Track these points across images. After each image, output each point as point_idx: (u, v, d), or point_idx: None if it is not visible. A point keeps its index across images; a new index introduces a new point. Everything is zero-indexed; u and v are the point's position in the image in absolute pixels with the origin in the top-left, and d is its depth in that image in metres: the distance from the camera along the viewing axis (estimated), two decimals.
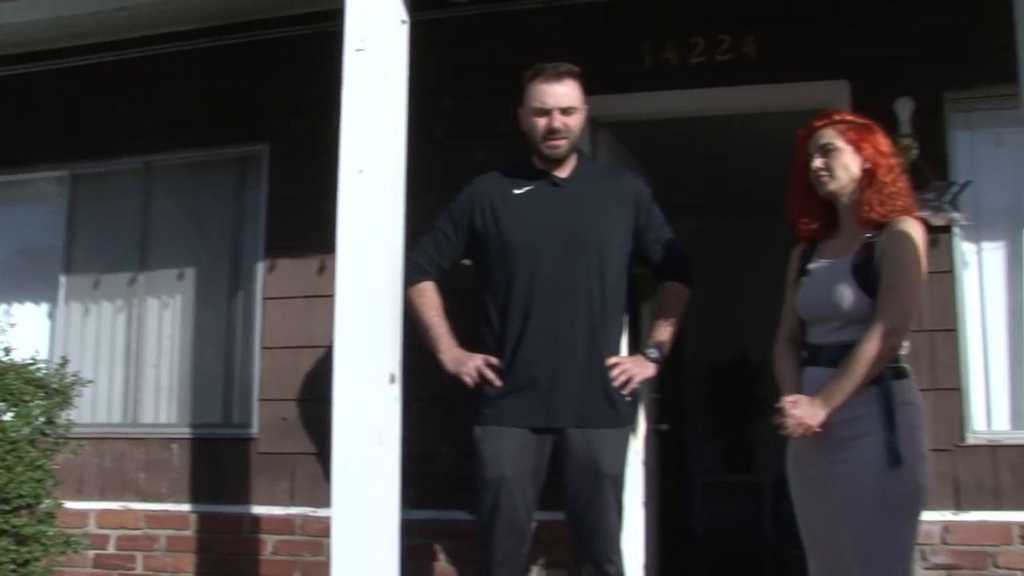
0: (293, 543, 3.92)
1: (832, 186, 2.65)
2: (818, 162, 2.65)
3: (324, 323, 3.97)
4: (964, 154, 3.85)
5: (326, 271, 4.01)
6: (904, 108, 3.70)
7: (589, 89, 3.11)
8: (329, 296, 3.89)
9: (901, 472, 2.42)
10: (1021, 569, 3.50)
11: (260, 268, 4.22)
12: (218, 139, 4.38)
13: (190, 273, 4.44)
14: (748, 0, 3.97)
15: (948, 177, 3.75)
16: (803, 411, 2.52)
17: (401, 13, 2.85)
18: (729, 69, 3.99)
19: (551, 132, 3.00)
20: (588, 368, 2.96)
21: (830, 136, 2.64)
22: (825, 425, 2.50)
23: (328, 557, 3.74)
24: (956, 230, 3.73)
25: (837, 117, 2.69)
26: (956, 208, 3.69)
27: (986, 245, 3.85)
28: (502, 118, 3.61)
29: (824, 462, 2.55)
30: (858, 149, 2.61)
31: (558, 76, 3.00)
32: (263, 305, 4.18)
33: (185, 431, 4.25)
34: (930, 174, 3.67)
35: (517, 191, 3.08)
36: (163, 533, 4.11)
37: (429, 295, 3.12)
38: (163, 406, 4.38)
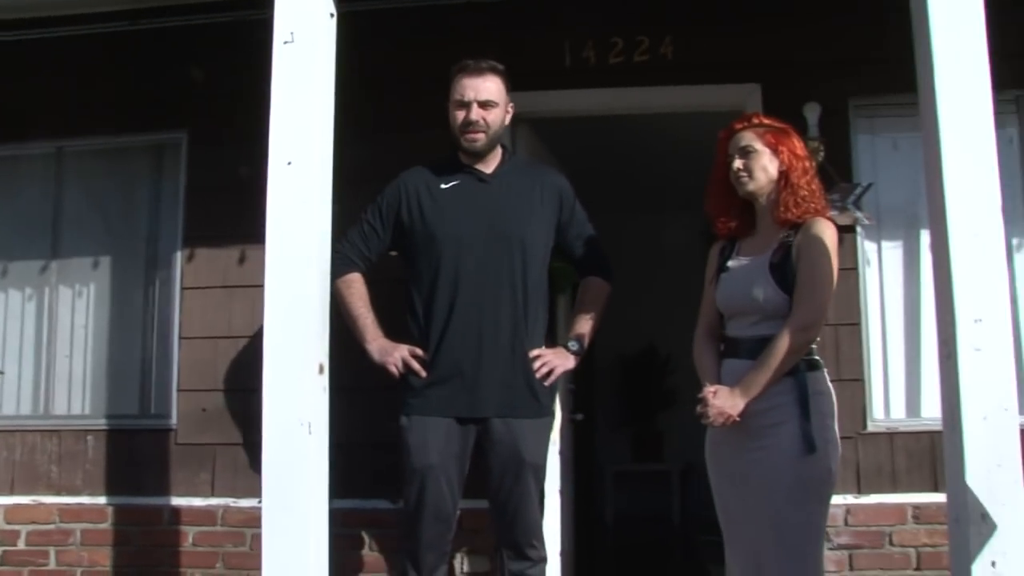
0: (214, 534, 3.90)
1: (751, 186, 2.77)
2: (738, 163, 2.77)
3: (245, 313, 3.99)
4: (866, 157, 4.07)
5: (247, 261, 4.02)
6: (812, 112, 3.88)
7: (510, 85, 3.16)
8: (250, 286, 3.95)
9: (815, 458, 2.57)
10: (914, 546, 3.73)
11: (178, 257, 4.16)
12: (135, 126, 4.30)
13: (105, 262, 4.35)
14: (666, 3, 4.08)
15: (852, 179, 3.95)
16: (723, 401, 2.64)
17: (330, 6, 2.87)
18: (647, 69, 4.11)
19: (467, 124, 3.06)
20: (511, 359, 3.04)
21: (749, 139, 2.77)
22: (743, 414, 2.63)
23: (251, 547, 3.84)
24: (859, 229, 3.94)
25: (756, 121, 2.82)
26: (859, 208, 3.89)
27: (886, 244, 4.08)
28: (426, 112, 3.65)
29: (742, 449, 2.68)
30: (775, 152, 2.75)
31: (480, 71, 3.07)
32: (182, 295, 4.13)
33: (100, 423, 4.17)
34: (835, 176, 3.86)
35: (444, 185, 3.13)
36: (77, 527, 4.04)
37: (356, 286, 3.15)
38: (77, 397, 4.29)
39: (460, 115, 3.07)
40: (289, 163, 2.74)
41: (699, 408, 2.71)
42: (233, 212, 3.99)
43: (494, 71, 3.09)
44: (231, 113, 4.06)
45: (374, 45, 3.87)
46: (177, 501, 3.97)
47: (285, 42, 2.81)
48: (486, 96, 3.07)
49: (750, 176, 2.77)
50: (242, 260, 4.03)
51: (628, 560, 6.29)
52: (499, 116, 3.12)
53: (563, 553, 4.07)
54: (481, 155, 3.13)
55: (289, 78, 2.80)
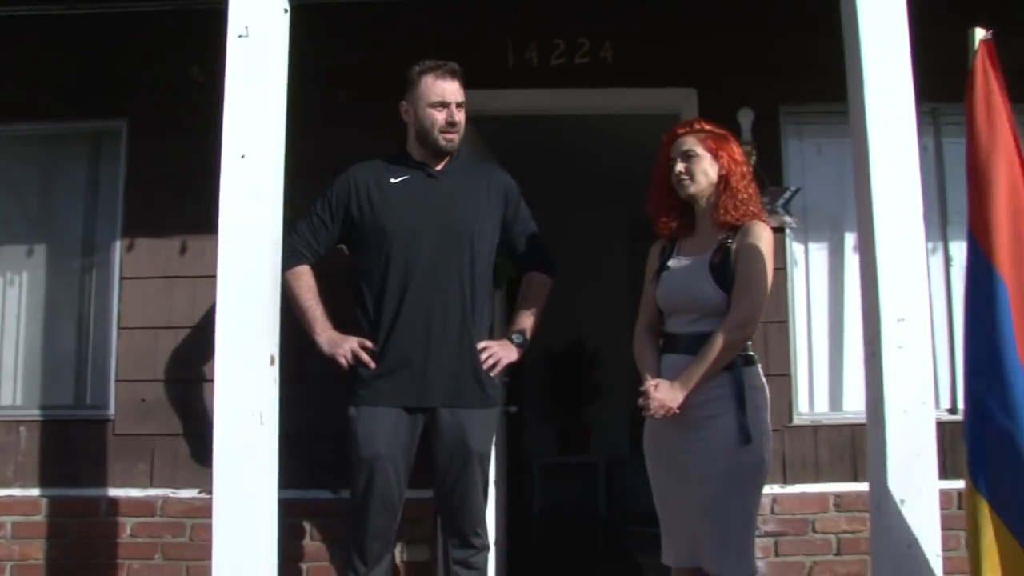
0: (153, 525, 3.88)
1: (692, 189, 2.90)
2: (680, 167, 2.90)
3: (186, 304, 3.99)
4: (796, 161, 4.24)
5: (189, 252, 4.01)
6: (745, 117, 4.03)
7: None
8: (192, 277, 3.96)
9: (750, 449, 2.71)
10: (835, 533, 3.93)
11: (117, 247, 4.11)
12: (73, 112, 4.23)
13: (40, 250, 4.27)
14: (607, 8, 4.18)
15: (782, 183, 4.11)
16: (664, 394, 2.76)
17: (283, 1, 2.91)
18: (587, 72, 4.21)
19: (451, 125, 3.14)
20: (459, 351, 3.10)
21: (691, 143, 2.90)
22: (683, 406, 2.75)
23: (190, 538, 3.85)
24: (788, 231, 4.11)
25: (698, 126, 2.95)
26: (788, 212, 4.06)
27: (812, 245, 4.26)
28: (373, 108, 3.70)
29: (681, 440, 2.80)
30: (716, 157, 2.88)
31: (452, 73, 3.15)
32: (120, 285, 4.07)
33: (33, 413, 4.09)
34: (766, 179, 4.01)
35: (394, 180, 3.19)
36: (9, 520, 3.96)
37: (305, 279, 3.19)
38: (8, 387, 4.20)
39: (440, 116, 3.13)
40: (243, 156, 2.78)
41: (640, 400, 2.81)
42: (175, 203, 3.99)
43: (460, 74, 3.18)
44: (175, 103, 4.05)
45: (323, 40, 3.89)
46: (114, 492, 3.93)
47: (239, 36, 2.84)
48: (460, 98, 3.16)
49: (691, 179, 2.89)
50: (184, 251, 4.01)
51: (555, 551, 6.40)
52: (464, 116, 3.21)
53: (496, 543, 4.16)
54: (441, 153, 3.19)
55: (243, 72, 2.83)
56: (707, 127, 2.95)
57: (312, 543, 3.86)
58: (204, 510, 3.71)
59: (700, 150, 2.88)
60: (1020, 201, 2.39)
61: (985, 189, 2.42)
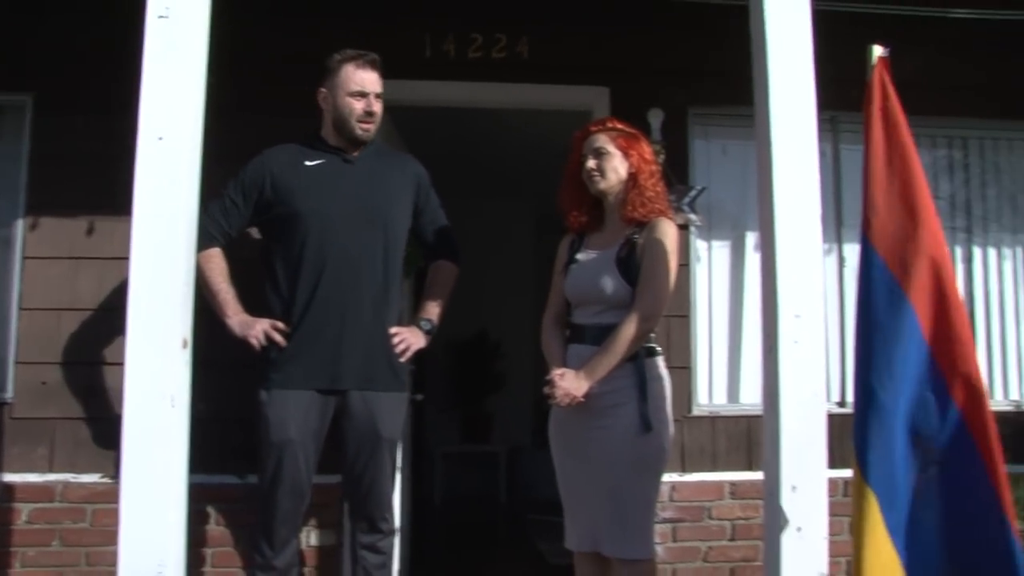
0: (51, 511, 3.79)
1: (602, 185, 3.00)
2: (591, 163, 2.99)
3: (91, 285, 3.91)
4: (702, 161, 4.39)
5: (96, 232, 3.93)
6: (655, 117, 4.17)
7: None
8: (99, 258, 3.90)
9: (651, 437, 2.82)
10: (729, 519, 4.11)
11: (20, 226, 3.99)
12: None
13: None
14: (525, 4, 4.25)
15: (688, 182, 4.26)
16: (569, 383, 2.84)
17: None
18: (503, 66, 4.28)
19: (369, 115, 3.17)
20: (372, 335, 3.13)
21: (603, 141, 2.99)
22: (587, 395, 2.84)
23: (91, 523, 3.78)
24: (692, 229, 4.26)
25: (610, 125, 3.04)
26: (693, 210, 4.21)
27: (715, 243, 4.42)
28: (289, 94, 3.68)
29: (585, 427, 2.89)
30: (626, 155, 2.98)
31: (373, 64, 3.18)
32: (23, 264, 3.96)
33: None
34: (673, 178, 4.14)
35: (309, 163, 3.19)
36: None
37: (216, 261, 3.17)
38: None
39: (359, 105, 3.16)
40: (160, 138, 2.73)
41: (546, 389, 2.89)
42: (83, 182, 3.90)
43: (380, 66, 3.21)
44: (84, 80, 3.96)
45: (242, 25, 3.79)
46: (10, 478, 3.83)
47: (160, 16, 2.79)
48: (379, 89, 3.20)
49: (602, 175, 2.99)
50: (90, 231, 3.92)
51: (457, 538, 6.46)
52: (382, 107, 3.24)
53: (401, 530, 4.20)
54: (358, 141, 3.21)
55: (162, 53, 2.78)
56: (619, 126, 3.04)
57: (217, 528, 3.84)
58: (107, 495, 3.69)
59: (611, 148, 2.98)
60: (912, 208, 2.54)
61: (878, 194, 2.56)
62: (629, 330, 2.83)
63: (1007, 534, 2.33)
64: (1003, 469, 2.38)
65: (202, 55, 2.88)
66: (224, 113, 3.57)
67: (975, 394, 2.43)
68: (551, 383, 2.88)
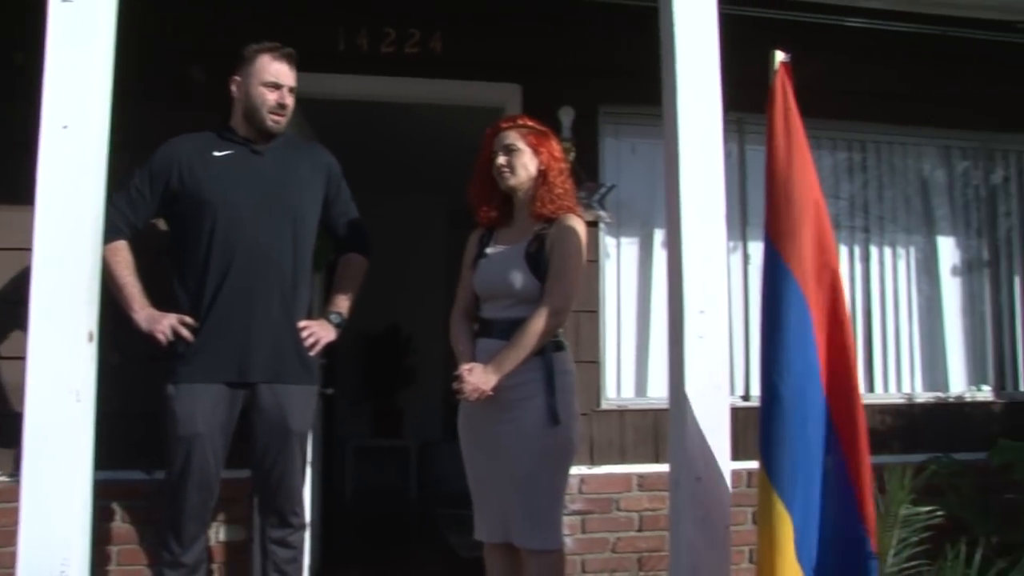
0: None
1: (512, 181, 3.03)
2: (501, 159, 3.02)
3: None
4: (612, 159, 4.47)
5: None
6: (566, 115, 4.22)
7: None
8: None
9: (558, 430, 2.87)
10: (637, 511, 4.19)
11: None
12: None
13: None
14: (439, 0, 4.26)
15: (598, 179, 4.33)
16: (477, 378, 2.87)
17: None
18: (416, 62, 4.28)
19: (282, 108, 3.14)
20: (281, 327, 3.11)
21: (513, 138, 3.03)
22: (496, 389, 2.88)
23: None
24: (602, 226, 4.33)
25: (521, 122, 3.08)
26: (603, 207, 4.28)
27: (624, 240, 4.51)
28: (200, 84, 3.63)
29: (494, 421, 2.93)
30: (536, 152, 3.02)
31: (289, 57, 3.16)
32: None
33: None
34: (583, 175, 4.21)
35: (217, 153, 3.15)
36: None
37: (122, 254, 3.11)
38: None
39: (272, 96, 3.13)
40: (65, 127, 2.67)
41: (455, 384, 2.91)
42: None
43: (295, 59, 3.19)
44: None
45: (151, 13, 3.72)
46: None
47: (63, 0, 2.74)
48: (293, 83, 3.18)
49: (512, 172, 3.03)
50: None
51: (368, 532, 6.44)
52: (294, 101, 3.22)
53: (312, 524, 4.19)
54: (274, 135, 3.19)
55: (67, 39, 2.71)
56: (530, 123, 3.08)
57: (122, 525, 3.76)
58: (5, 493, 3.57)
59: (521, 145, 3.02)
60: (806, 211, 2.63)
61: (781, 195, 2.65)
62: (538, 324, 2.87)
63: (858, 529, 2.42)
64: (865, 465, 2.46)
65: (109, 42, 2.82)
66: (132, 102, 3.54)
67: (845, 390, 2.52)
68: (459, 378, 2.90)
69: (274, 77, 3.14)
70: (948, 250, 4.97)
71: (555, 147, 3.08)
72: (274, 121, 3.16)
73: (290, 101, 3.17)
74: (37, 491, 2.58)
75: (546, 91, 4.25)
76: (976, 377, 4.88)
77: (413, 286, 7.92)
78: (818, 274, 2.57)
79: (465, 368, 2.92)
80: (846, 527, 2.45)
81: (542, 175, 3.03)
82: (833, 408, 2.52)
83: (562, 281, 2.93)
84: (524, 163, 3.03)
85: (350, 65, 4.23)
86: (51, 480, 2.59)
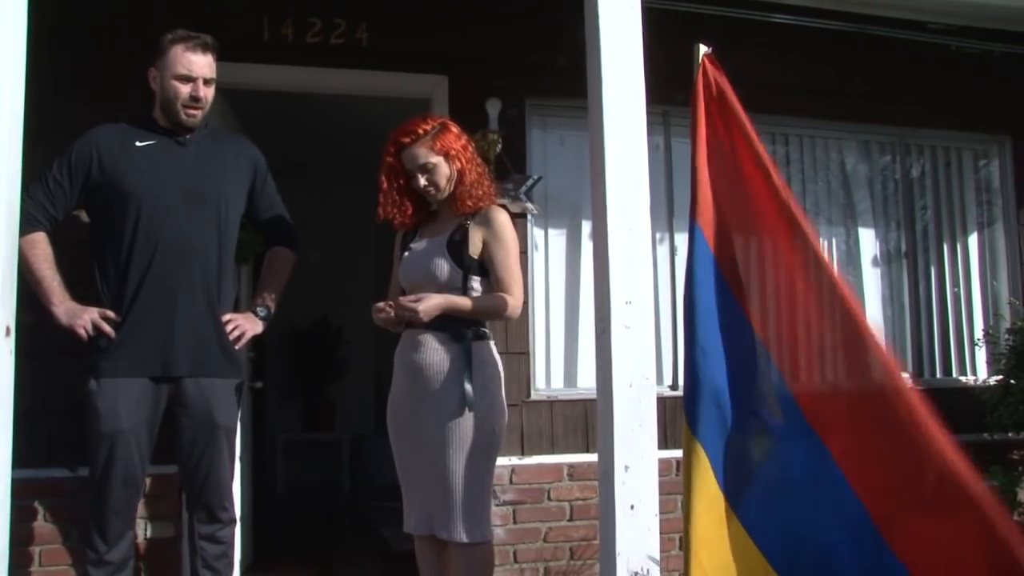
0: None
1: (440, 197, 3.03)
2: (423, 181, 2.99)
3: None
4: (539, 151, 4.50)
5: None
6: (493, 107, 4.23)
7: None
8: None
9: (480, 420, 2.88)
10: (568, 500, 4.24)
11: None
12: None
13: None
14: None
15: (526, 171, 4.35)
16: (425, 304, 2.87)
17: None
18: (342, 52, 4.26)
19: (195, 100, 3.06)
20: (206, 320, 3.06)
21: (424, 154, 2.97)
22: (416, 377, 2.93)
23: None
24: (529, 217, 4.35)
25: (422, 131, 2.99)
26: (530, 199, 4.30)
27: (552, 232, 4.54)
28: (120, 72, 3.55)
29: (414, 412, 2.95)
30: (448, 158, 2.98)
31: (204, 47, 3.07)
32: None
33: None
34: (510, 167, 4.24)
35: (139, 143, 3.08)
36: None
37: (41, 247, 3.02)
38: None
39: (184, 89, 3.05)
40: None
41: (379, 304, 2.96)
42: None
43: (213, 48, 3.10)
44: None
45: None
46: None
47: None
48: (210, 74, 3.09)
49: (437, 189, 3.01)
50: None
51: (301, 526, 6.40)
52: (212, 92, 3.14)
53: (242, 519, 4.14)
54: (193, 128, 3.13)
55: None
56: (427, 127, 3.01)
57: (45, 525, 3.67)
58: None
59: (434, 158, 2.97)
60: (743, 196, 2.68)
61: (704, 187, 2.69)
62: (499, 301, 2.95)
63: (860, 516, 2.38)
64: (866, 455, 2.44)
65: (20, 29, 2.73)
66: (54, 88, 3.47)
67: (813, 382, 2.57)
68: (400, 305, 2.90)
69: (186, 69, 3.06)
70: (869, 242, 5.11)
71: (455, 140, 3.02)
72: (188, 114, 3.09)
73: (204, 93, 3.09)
74: None
75: (473, 82, 4.27)
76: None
77: (343, 278, 7.86)
78: (749, 260, 2.62)
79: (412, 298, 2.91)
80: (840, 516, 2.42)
81: (459, 175, 3.02)
82: (796, 392, 2.55)
83: (513, 274, 2.98)
84: (444, 174, 3.00)
85: (275, 55, 4.20)
86: None
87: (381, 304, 2.96)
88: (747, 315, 2.65)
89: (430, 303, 2.87)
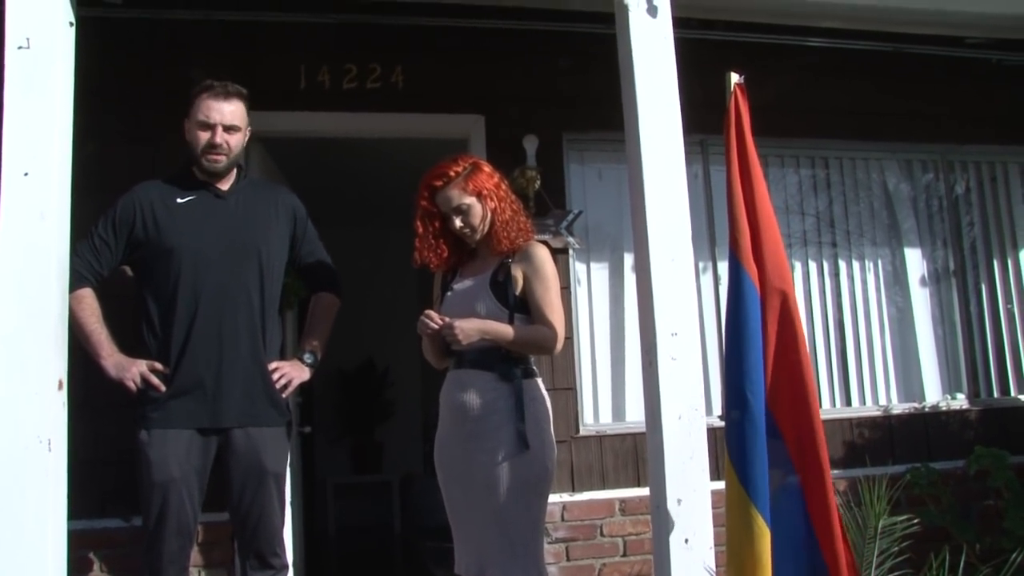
0: None
1: (477, 237, 3.02)
2: (458, 223, 2.99)
3: None
4: (577, 185, 4.50)
5: None
6: (530, 144, 4.24)
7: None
8: None
9: (531, 457, 2.84)
10: (621, 535, 4.18)
11: None
12: None
13: None
14: (399, 34, 4.28)
15: (565, 206, 4.35)
16: (465, 324, 2.87)
17: (69, 14, 2.80)
18: (379, 96, 4.30)
19: (212, 147, 3.09)
20: (252, 370, 3.08)
21: (458, 196, 2.96)
22: (465, 418, 2.90)
23: None
24: (571, 252, 4.34)
25: (453, 173, 2.98)
26: (571, 233, 4.30)
27: (594, 265, 4.52)
28: (161, 127, 3.62)
29: (465, 451, 2.91)
30: (481, 198, 2.97)
31: (226, 94, 3.11)
32: None
33: None
34: (550, 202, 4.24)
35: (180, 199, 3.13)
36: None
37: (88, 301, 3.08)
38: None
39: (204, 136, 3.09)
40: (26, 174, 2.66)
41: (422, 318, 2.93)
42: None
43: (239, 95, 3.14)
44: None
45: (114, 57, 3.81)
46: None
47: (19, 47, 2.72)
48: (231, 120, 3.11)
49: (473, 231, 3.00)
50: None
51: (353, 569, 6.39)
52: (240, 139, 3.17)
53: (295, 564, 4.14)
54: (220, 174, 3.18)
55: (24, 85, 2.71)
56: (458, 169, 3.00)
57: (101, 575, 3.71)
58: None
59: (468, 200, 2.97)
60: (763, 225, 2.65)
61: (740, 215, 2.67)
62: (541, 332, 2.91)
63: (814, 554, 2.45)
64: (827, 492, 2.46)
65: (68, 87, 2.82)
66: (98, 145, 3.54)
67: (801, 418, 2.53)
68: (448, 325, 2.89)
69: (205, 116, 3.09)
70: (916, 261, 5.02)
71: (488, 179, 3.01)
72: (210, 161, 3.11)
73: (224, 139, 3.10)
74: (8, 543, 2.54)
75: (509, 120, 4.29)
76: (950, 386, 4.91)
77: (386, 319, 7.89)
78: (770, 292, 2.59)
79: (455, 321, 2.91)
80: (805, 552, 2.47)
81: (493, 214, 3.01)
82: (783, 426, 2.53)
83: (554, 310, 2.95)
84: (478, 215, 2.99)
85: (312, 102, 4.24)
86: (22, 531, 2.56)
87: (432, 311, 2.95)
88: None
89: (470, 324, 2.87)
